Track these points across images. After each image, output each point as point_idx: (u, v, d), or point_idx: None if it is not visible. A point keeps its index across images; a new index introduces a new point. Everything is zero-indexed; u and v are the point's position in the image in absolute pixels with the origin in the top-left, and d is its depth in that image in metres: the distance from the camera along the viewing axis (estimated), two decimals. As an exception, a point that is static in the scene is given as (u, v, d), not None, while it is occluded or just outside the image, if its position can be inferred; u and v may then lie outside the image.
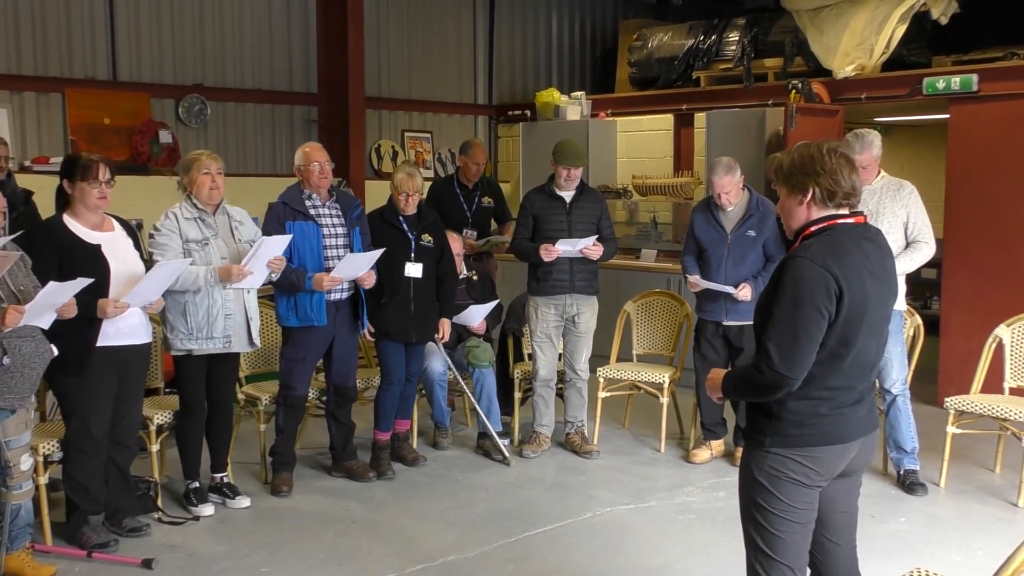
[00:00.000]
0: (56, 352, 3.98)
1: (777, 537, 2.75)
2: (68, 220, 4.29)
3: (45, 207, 4.90)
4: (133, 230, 4.57)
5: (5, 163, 5.20)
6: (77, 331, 4.11)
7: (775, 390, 2.65)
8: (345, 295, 5.20)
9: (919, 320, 5.47)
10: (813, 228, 2.75)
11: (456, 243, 5.99)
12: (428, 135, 9.52)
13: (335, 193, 5.25)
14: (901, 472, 5.22)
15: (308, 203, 5.12)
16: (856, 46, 7.37)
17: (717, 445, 5.79)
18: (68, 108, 7.31)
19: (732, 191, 5.45)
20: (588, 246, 5.59)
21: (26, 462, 4.04)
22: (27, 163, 7.05)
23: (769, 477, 2.74)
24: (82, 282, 3.86)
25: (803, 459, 2.72)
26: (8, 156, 5.27)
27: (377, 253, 5.09)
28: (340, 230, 5.17)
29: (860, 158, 4.95)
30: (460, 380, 5.87)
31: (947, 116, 7.02)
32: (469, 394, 5.89)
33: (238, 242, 4.78)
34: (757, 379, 2.67)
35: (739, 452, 5.64)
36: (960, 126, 6.88)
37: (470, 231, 6.81)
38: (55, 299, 3.81)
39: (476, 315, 5.94)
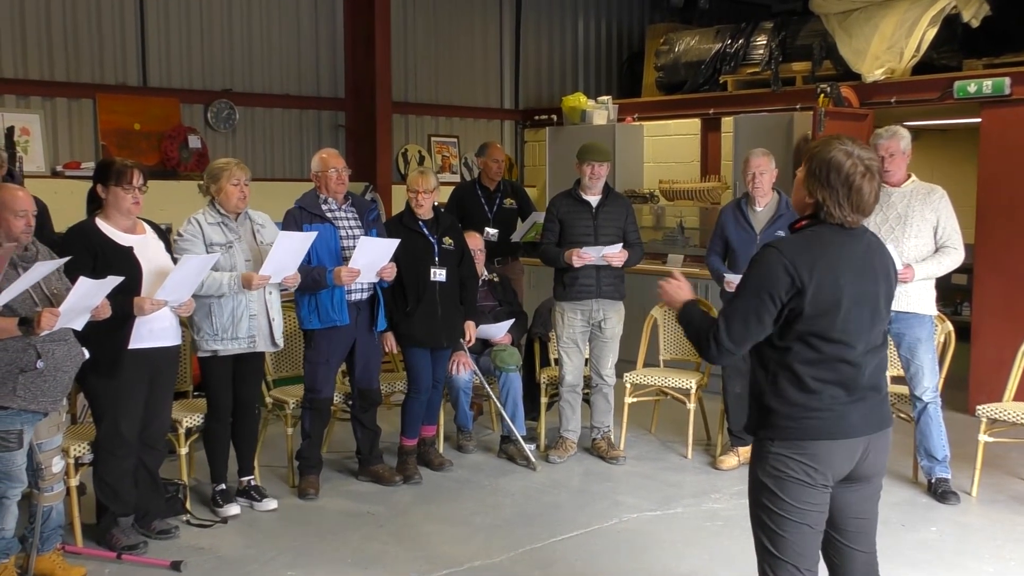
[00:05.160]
0: (87, 355, 4.02)
1: (782, 537, 2.77)
2: (101, 223, 4.33)
3: (76, 210, 4.93)
4: (164, 233, 4.62)
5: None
6: (109, 333, 4.15)
7: (712, 356, 2.84)
8: (365, 295, 5.21)
9: (950, 326, 5.41)
10: (803, 222, 2.83)
11: (476, 240, 6.00)
12: (455, 140, 9.54)
13: (351, 197, 5.29)
14: (932, 480, 5.16)
15: (324, 206, 5.16)
16: (886, 49, 7.31)
17: (744, 451, 5.73)
18: (99, 114, 7.39)
19: (767, 173, 5.47)
20: (610, 252, 5.57)
21: (57, 464, 4.08)
22: (59, 168, 7.14)
23: (771, 477, 2.77)
24: (113, 280, 3.89)
25: (801, 457, 2.74)
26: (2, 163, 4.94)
27: (394, 243, 5.09)
28: (357, 231, 5.19)
29: (886, 143, 5.02)
30: (486, 385, 5.87)
31: (978, 120, 6.94)
32: (495, 398, 5.89)
33: (260, 245, 4.81)
34: (704, 338, 2.82)
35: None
36: (992, 130, 6.80)
37: (491, 231, 6.82)
38: (88, 300, 3.83)
39: (496, 332, 5.95)
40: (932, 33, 7.18)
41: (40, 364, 3.76)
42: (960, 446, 5.42)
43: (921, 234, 5.02)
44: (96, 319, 3.96)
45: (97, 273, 4.00)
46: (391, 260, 5.12)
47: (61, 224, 4.80)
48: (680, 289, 3.02)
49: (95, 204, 4.40)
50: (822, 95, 7.18)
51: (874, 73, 7.35)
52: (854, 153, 2.75)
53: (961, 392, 6.73)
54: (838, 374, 2.75)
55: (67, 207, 5.20)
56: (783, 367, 2.77)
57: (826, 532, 2.84)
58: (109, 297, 3.98)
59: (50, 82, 7.22)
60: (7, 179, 4.77)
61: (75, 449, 4.42)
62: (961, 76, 6.99)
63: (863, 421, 2.79)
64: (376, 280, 5.16)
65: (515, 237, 7.10)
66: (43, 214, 4.94)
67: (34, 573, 4.06)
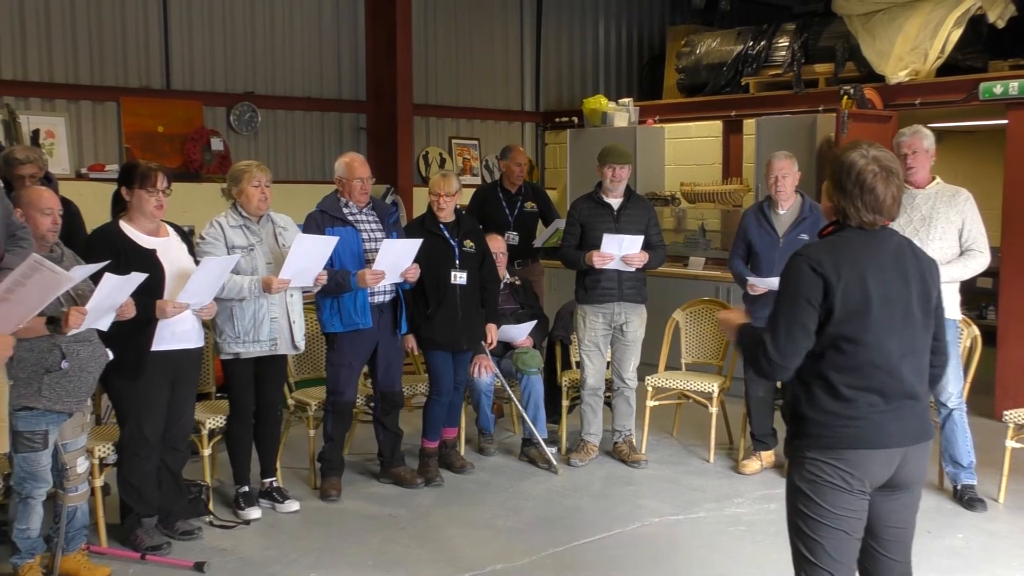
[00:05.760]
0: (112, 356, 4.05)
1: (817, 542, 2.76)
2: (124, 226, 4.36)
3: (100, 212, 4.97)
4: (187, 236, 4.65)
5: (35, 181, 4.83)
6: (132, 335, 4.18)
7: (768, 374, 2.80)
8: (388, 298, 5.22)
9: (976, 331, 5.35)
10: (830, 228, 2.85)
11: (498, 243, 5.99)
12: (475, 142, 9.55)
13: (371, 201, 5.30)
14: (958, 487, 5.11)
15: (346, 210, 5.17)
16: (910, 51, 7.25)
17: (767, 456, 5.71)
18: (123, 116, 7.44)
19: (789, 176, 5.45)
20: (631, 253, 5.55)
21: (82, 465, 4.11)
22: (83, 170, 7.20)
23: (808, 482, 2.76)
24: (138, 277, 3.91)
25: (837, 462, 2.73)
26: (39, 170, 4.96)
27: (416, 243, 5.09)
28: (379, 234, 5.20)
29: (908, 141, 5.00)
30: (507, 388, 5.87)
31: (1005, 122, 6.88)
32: (516, 401, 5.88)
33: (282, 247, 4.83)
34: (757, 358, 2.80)
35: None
36: (1018, 131, 6.73)
37: (512, 234, 6.82)
38: (114, 298, 3.85)
39: (518, 334, 5.95)
40: (957, 34, 7.12)
41: (65, 364, 3.79)
42: (986, 452, 5.35)
43: (945, 237, 4.97)
44: (121, 319, 3.99)
45: (120, 275, 4.02)
46: (413, 261, 5.13)
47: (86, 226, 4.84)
48: (731, 325, 2.99)
49: (119, 207, 4.42)
50: (845, 97, 7.13)
51: (898, 75, 7.30)
52: (869, 155, 2.77)
53: (987, 397, 6.66)
54: (872, 380, 2.72)
55: (91, 209, 5.24)
56: (816, 375, 2.75)
57: (862, 540, 2.82)
58: (133, 298, 4.00)
59: (75, 85, 7.28)
60: (43, 182, 4.82)
61: (99, 450, 4.45)
62: (987, 77, 6.92)
63: (901, 432, 2.76)
64: (400, 281, 5.17)
65: (537, 243, 7.10)
66: (76, 217, 4.99)
67: (59, 573, 4.08)
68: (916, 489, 2.88)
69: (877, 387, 2.73)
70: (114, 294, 3.84)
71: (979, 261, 5.00)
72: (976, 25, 7.17)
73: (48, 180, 4.99)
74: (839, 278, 2.69)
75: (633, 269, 5.62)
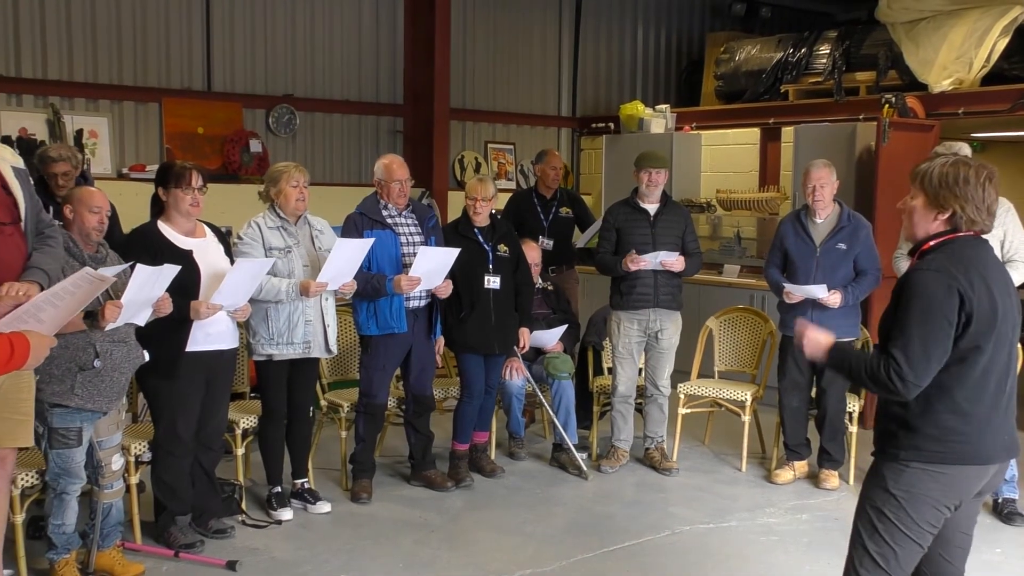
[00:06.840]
0: (148, 357, 4.09)
1: (891, 549, 2.77)
2: (162, 226, 4.41)
3: (140, 212, 5.04)
4: (224, 237, 4.68)
5: (68, 179, 4.97)
6: (168, 336, 4.23)
7: (896, 394, 2.69)
8: (423, 303, 5.23)
9: (1018, 343, 5.26)
10: (933, 242, 2.79)
11: (534, 254, 5.99)
12: (511, 147, 9.55)
13: (411, 204, 5.31)
14: (998, 500, 5.03)
15: (385, 212, 5.18)
16: (954, 59, 7.15)
17: (800, 466, 5.66)
18: (164, 117, 7.54)
19: (828, 186, 5.39)
20: (668, 259, 5.52)
21: (117, 462, 4.16)
22: (124, 170, 7.31)
23: (904, 491, 2.74)
24: (172, 269, 3.93)
25: (941, 477, 2.72)
26: (73, 168, 5.03)
27: (454, 252, 5.09)
28: (417, 238, 5.21)
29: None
30: (539, 392, 5.86)
31: (1050, 132, 6.77)
32: (547, 406, 5.87)
33: (318, 250, 4.86)
34: (881, 379, 2.69)
35: (823, 474, 5.53)
36: (1064, 142, 6.63)
37: (546, 240, 6.82)
38: (148, 291, 3.88)
39: (548, 339, 5.94)
40: (1004, 43, 7.01)
41: (97, 363, 3.82)
42: (1026, 467, 5.27)
43: (987, 248, 4.90)
44: (159, 315, 4.03)
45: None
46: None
47: (126, 226, 4.90)
48: (818, 344, 2.90)
49: (158, 209, 4.47)
50: (887, 105, 7.05)
51: (941, 83, 7.20)
52: (972, 163, 2.77)
53: (1027, 411, 6.53)
54: (986, 393, 2.72)
55: (132, 209, 5.31)
56: (938, 387, 2.70)
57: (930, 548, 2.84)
58: (169, 292, 4.04)
59: (119, 86, 7.39)
60: (80, 180, 4.89)
61: (135, 447, 4.50)
62: (1033, 87, 6.81)
63: (1001, 447, 2.77)
64: (433, 288, 5.18)
65: (580, 243, 7.09)
66: (111, 217, 5.06)
67: (94, 568, 4.14)
68: (983, 498, 2.91)
69: (989, 400, 2.72)
70: (148, 287, 3.87)
71: (1021, 272, 4.93)
72: (1023, 34, 7.05)
73: (84, 179, 5.07)
74: (972, 288, 2.65)
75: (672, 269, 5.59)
